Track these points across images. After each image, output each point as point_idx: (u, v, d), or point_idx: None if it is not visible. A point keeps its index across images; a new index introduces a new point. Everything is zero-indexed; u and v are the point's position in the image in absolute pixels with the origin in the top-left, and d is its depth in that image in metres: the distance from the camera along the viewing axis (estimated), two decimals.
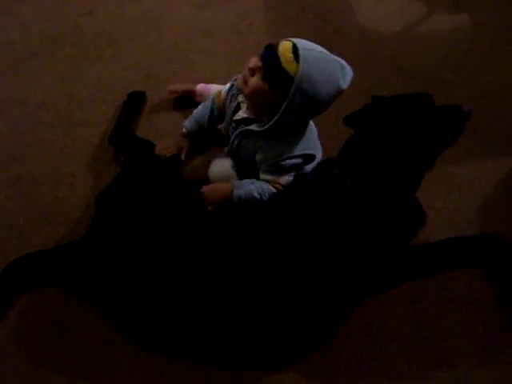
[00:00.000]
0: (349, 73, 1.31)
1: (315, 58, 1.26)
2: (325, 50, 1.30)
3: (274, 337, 1.31)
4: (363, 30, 2.20)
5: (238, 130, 1.48)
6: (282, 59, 1.27)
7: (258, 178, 1.50)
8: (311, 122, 1.49)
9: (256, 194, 1.45)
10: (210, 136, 1.81)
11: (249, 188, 1.47)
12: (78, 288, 1.46)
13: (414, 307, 1.48)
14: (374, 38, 2.17)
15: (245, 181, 1.51)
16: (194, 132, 1.70)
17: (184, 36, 2.20)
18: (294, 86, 1.26)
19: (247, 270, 1.32)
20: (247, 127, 1.44)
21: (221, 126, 1.68)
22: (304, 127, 1.44)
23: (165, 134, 1.87)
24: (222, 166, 1.64)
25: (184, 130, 1.70)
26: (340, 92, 1.31)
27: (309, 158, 1.48)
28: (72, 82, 2.06)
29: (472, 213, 1.68)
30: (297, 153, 1.43)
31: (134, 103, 1.92)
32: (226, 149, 1.63)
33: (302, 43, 1.28)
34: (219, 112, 1.65)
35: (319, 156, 1.53)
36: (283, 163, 1.43)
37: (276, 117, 1.34)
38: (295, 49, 1.26)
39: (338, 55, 1.31)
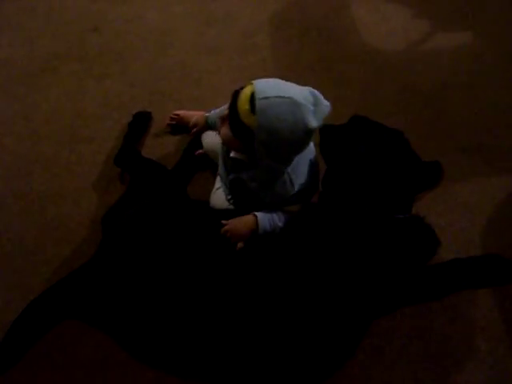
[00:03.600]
0: (324, 109, 1.24)
1: (273, 107, 1.18)
2: (288, 90, 1.21)
3: (285, 365, 1.31)
4: (367, 48, 2.21)
5: (232, 176, 1.44)
6: (240, 112, 1.23)
7: (257, 206, 1.45)
8: None
9: (280, 223, 1.43)
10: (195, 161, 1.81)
11: (272, 218, 1.42)
12: (82, 311, 1.46)
13: (419, 326, 1.47)
14: (378, 56, 2.18)
15: (265, 211, 1.43)
16: (213, 123, 1.71)
17: (189, 53, 2.21)
18: (256, 138, 1.22)
19: (260, 295, 1.32)
20: (239, 175, 1.41)
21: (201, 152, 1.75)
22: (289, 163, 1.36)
23: (170, 150, 1.88)
24: (222, 199, 1.57)
25: (206, 115, 1.74)
26: (311, 131, 1.23)
27: (311, 188, 1.47)
28: (77, 99, 2.07)
29: (476, 231, 1.68)
30: (296, 189, 1.40)
31: (140, 123, 1.92)
32: (218, 177, 1.62)
33: (262, 89, 1.20)
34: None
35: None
36: (288, 201, 1.43)
37: (258, 168, 1.31)
38: (253, 98, 1.20)
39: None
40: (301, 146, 1.29)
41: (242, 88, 1.27)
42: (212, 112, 1.73)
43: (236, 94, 1.27)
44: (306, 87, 1.26)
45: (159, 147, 1.89)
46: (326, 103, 1.25)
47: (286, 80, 1.28)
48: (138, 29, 2.32)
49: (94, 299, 1.42)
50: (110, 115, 2.01)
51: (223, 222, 1.42)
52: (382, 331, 1.46)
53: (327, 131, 1.48)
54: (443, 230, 1.65)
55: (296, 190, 1.40)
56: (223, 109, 1.64)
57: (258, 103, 1.18)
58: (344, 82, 2.07)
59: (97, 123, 1.99)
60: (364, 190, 1.37)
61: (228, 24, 2.30)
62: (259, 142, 1.23)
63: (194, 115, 1.83)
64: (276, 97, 1.18)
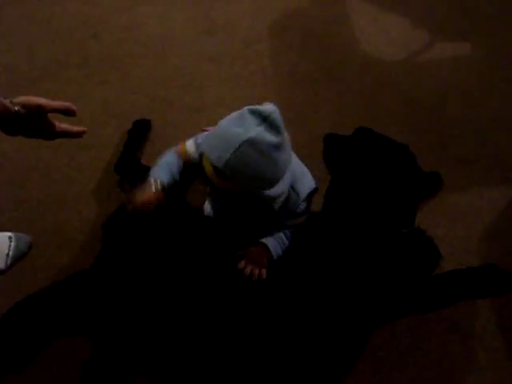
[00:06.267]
0: (272, 114, 1.10)
1: (238, 163, 1.13)
2: (235, 136, 1.11)
3: (285, 376, 1.30)
4: (367, 58, 2.22)
5: (250, 215, 1.42)
6: (218, 186, 1.24)
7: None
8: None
9: (287, 242, 1.44)
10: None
11: (282, 241, 1.42)
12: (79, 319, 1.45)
13: (418, 336, 1.48)
14: (378, 67, 2.19)
15: (272, 236, 1.43)
16: (169, 184, 1.40)
17: (189, 61, 2.21)
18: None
19: (263, 305, 1.32)
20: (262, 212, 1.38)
21: None
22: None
23: None
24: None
25: (157, 183, 1.38)
26: (278, 143, 1.12)
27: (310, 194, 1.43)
28: (77, 105, 2.04)
29: (474, 241, 1.68)
30: (301, 197, 1.36)
31: (140, 131, 1.92)
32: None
33: (216, 157, 1.14)
34: (187, 168, 1.48)
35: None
36: (297, 211, 1.40)
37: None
38: (217, 170, 1.17)
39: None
40: (287, 160, 1.21)
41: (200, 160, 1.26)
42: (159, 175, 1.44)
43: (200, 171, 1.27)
44: (242, 110, 1.15)
45: (159, 155, 1.88)
46: (270, 107, 1.13)
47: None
48: (138, 36, 2.32)
49: (93, 307, 1.41)
50: (110, 122, 2.00)
51: (239, 252, 1.42)
52: (381, 342, 1.46)
53: (331, 140, 1.48)
54: (442, 240, 1.65)
55: (302, 197, 1.36)
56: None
57: (225, 171, 1.15)
58: (344, 92, 2.08)
59: (96, 130, 1.98)
60: (372, 203, 1.37)
61: (228, 32, 2.30)
62: (251, 189, 1.24)
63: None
64: (232, 153, 1.11)
